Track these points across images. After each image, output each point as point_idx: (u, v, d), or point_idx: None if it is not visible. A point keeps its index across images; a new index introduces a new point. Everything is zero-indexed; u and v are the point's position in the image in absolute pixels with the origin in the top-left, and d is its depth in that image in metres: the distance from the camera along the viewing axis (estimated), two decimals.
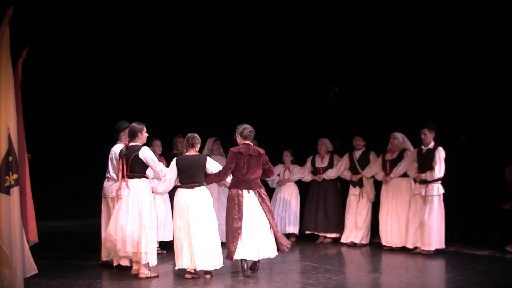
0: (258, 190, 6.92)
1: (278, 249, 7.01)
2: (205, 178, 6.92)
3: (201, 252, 6.63)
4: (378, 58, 10.30)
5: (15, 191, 5.70)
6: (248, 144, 6.93)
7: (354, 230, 9.21)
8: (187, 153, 6.96)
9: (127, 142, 6.95)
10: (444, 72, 9.55)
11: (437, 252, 8.12)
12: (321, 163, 9.68)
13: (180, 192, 6.83)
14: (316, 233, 9.66)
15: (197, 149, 6.97)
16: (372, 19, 9.83)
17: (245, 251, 6.78)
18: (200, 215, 6.69)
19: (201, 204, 6.73)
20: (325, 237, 9.59)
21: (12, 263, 5.55)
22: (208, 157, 7.02)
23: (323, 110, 11.56)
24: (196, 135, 6.96)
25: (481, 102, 9.15)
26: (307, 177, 9.80)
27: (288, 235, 9.64)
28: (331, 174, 9.54)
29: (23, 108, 6.24)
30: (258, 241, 6.82)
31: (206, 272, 6.77)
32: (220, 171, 6.92)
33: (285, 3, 9.62)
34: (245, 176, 6.87)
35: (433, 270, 7.37)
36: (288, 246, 7.12)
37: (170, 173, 6.90)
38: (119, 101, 10.42)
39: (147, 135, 7.02)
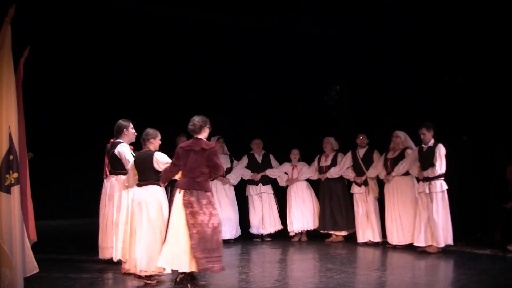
0: (189, 190, 6.02)
1: (198, 267, 5.96)
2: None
3: (141, 254, 6.23)
4: (378, 58, 10.32)
5: (15, 190, 5.67)
6: (196, 138, 6.20)
7: (368, 228, 9.18)
8: (142, 150, 6.66)
9: (112, 140, 6.95)
10: (444, 72, 9.56)
11: (443, 251, 8.13)
12: (325, 161, 9.70)
13: (134, 190, 6.62)
14: (324, 231, 9.66)
15: (152, 145, 6.54)
16: (372, 19, 9.83)
17: (160, 258, 6.08)
18: (145, 215, 6.34)
19: (147, 204, 6.37)
20: (336, 235, 9.59)
21: (12, 263, 5.52)
22: (155, 154, 6.46)
23: (324, 110, 11.57)
24: (151, 130, 6.58)
25: (482, 101, 9.15)
26: (314, 176, 9.82)
27: (301, 233, 9.74)
28: (333, 172, 9.56)
29: (24, 107, 6.22)
30: (169, 249, 6.03)
31: (146, 277, 6.30)
32: (166, 168, 6.37)
33: (286, 3, 9.61)
34: (185, 174, 6.15)
35: (435, 270, 7.35)
36: (209, 267, 5.95)
37: (129, 169, 6.68)
38: (119, 101, 10.41)
39: (134, 131, 6.98)
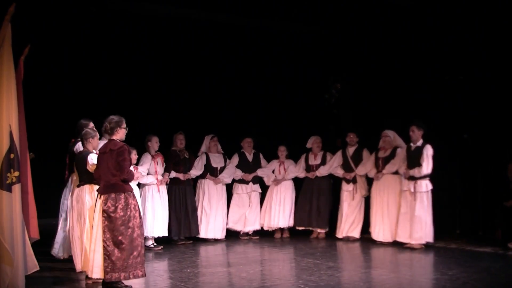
0: (105, 195, 5.80)
1: (104, 274, 5.75)
2: None
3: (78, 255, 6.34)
4: (379, 56, 10.31)
5: (16, 188, 5.68)
6: (110, 140, 5.99)
7: (349, 225, 9.33)
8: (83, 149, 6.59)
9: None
10: (445, 70, 9.56)
11: (438, 248, 8.18)
12: (314, 160, 9.81)
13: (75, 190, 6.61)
14: (309, 228, 9.77)
15: (91, 145, 6.44)
16: (373, 17, 9.81)
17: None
18: (77, 217, 6.39)
19: (77, 206, 6.40)
20: (319, 232, 9.69)
21: (13, 260, 5.53)
22: (89, 156, 6.33)
23: (324, 108, 11.57)
24: (90, 130, 6.54)
25: (483, 99, 9.16)
26: (301, 174, 9.91)
27: (282, 230, 9.89)
28: (323, 171, 9.66)
29: (24, 106, 6.23)
30: (97, 257, 5.88)
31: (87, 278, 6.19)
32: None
33: (286, 3, 9.59)
34: (101, 177, 5.93)
35: (435, 267, 7.35)
36: (125, 274, 5.73)
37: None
38: (119, 100, 10.39)
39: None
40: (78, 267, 6.41)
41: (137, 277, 5.80)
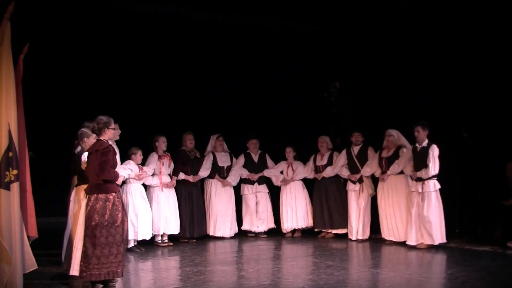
0: (90, 195, 5.86)
1: (80, 272, 5.83)
2: None
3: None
4: (378, 55, 10.31)
5: (15, 186, 5.69)
6: (98, 140, 6.00)
7: (359, 225, 9.22)
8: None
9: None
10: (444, 69, 9.56)
11: (438, 247, 8.15)
12: (321, 161, 9.72)
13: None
14: (322, 230, 9.69)
15: (85, 144, 6.47)
16: (372, 17, 9.82)
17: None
18: (72, 217, 6.43)
19: (75, 207, 6.42)
20: (327, 232, 9.62)
21: (11, 259, 5.54)
22: (83, 154, 6.33)
23: (324, 107, 11.57)
24: (85, 130, 6.53)
25: (482, 98, 9.15)
26: (310, 175, 9.85)
27: (294, 230, 9.86)
28: (329, 171, 9.58)
29: (24, 104, 6.23)
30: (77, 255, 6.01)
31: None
32: None
33: (286, 3, 9.61)
34: (89, 178, 5.98)
35: (434, 266, 7.36)
36: (101, 273, 5.75)
37: None
38: (120, 99, 10.41)
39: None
40: (66, 266, 6.42)
41: (116, 276, 5.82)
